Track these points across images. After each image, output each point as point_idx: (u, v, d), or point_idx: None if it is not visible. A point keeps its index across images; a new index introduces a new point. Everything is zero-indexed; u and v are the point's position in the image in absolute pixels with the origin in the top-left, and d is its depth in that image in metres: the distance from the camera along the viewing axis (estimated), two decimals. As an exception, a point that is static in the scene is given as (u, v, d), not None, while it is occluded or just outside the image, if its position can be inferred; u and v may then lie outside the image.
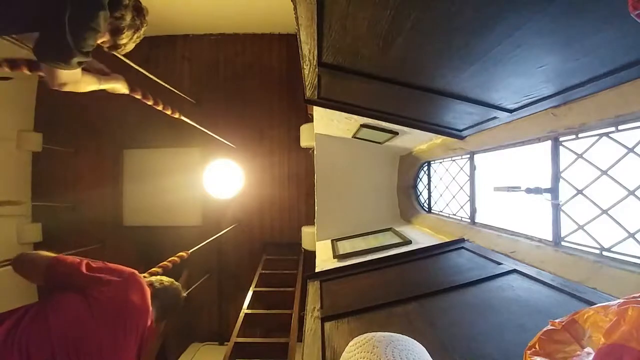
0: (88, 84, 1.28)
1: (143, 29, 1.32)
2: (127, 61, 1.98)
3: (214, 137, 3.18)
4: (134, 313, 1.09)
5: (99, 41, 1.21)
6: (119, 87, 1.48)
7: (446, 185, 2.93)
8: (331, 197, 3.40)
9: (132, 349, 1.08)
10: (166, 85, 2.81)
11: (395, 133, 2.70)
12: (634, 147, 1.23)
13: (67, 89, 1.18)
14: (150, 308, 1.16)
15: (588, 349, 0.61)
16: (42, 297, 1.05)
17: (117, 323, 1.04)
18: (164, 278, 1.34)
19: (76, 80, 1.19)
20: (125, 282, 1.10)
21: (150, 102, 1.88)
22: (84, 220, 4.05)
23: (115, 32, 1.23)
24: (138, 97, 1.76)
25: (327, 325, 1.34)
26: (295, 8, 1.01)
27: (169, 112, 2.14)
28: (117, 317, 1.05)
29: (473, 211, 2.36)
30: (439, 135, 2.42)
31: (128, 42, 1.30)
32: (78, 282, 1.05)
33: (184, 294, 1.40)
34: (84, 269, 1.07)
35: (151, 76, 2.49)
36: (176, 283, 1.36)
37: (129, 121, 4.03)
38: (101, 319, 1.01)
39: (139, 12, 1.28)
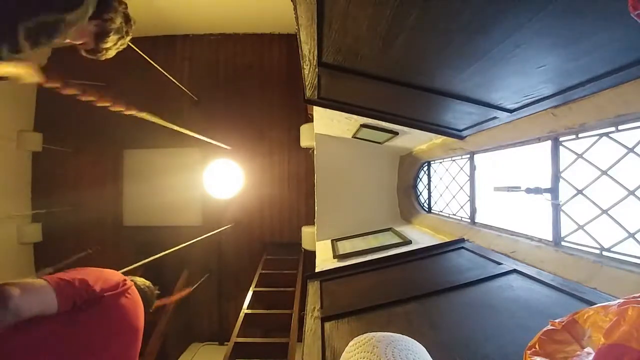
0: None
1: (127, 38, 1.31)
2: (137, 49, 1.88)
3: (211, 138, 3.18)
4: (140, 317, 1.09)
5: (78, 42, 1.17)
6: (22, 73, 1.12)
7: (446, 185, 2.93)
8: (331, 197, 3.40)
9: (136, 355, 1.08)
10: (172, 78, 2.79)
11: (395, 133, 2.70)
12: (634, 147, 1.23)
13: None
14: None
15: (588, 349, 0.61)
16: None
17: (126, 330, 1.03)
18: (137, 279, 1.27)
19: None
20: (126, 289, 1.08)
21: (91, 98, 1.51)
22: (84, 220, 4.05)
23: (102, 34, 1.19)
24: (56, 86, 1.33)
25: (327, 325, 1.34)
26: (295, 8, 1.01)
27: (121, 110, 1.80)
28: (126, 324, 1.03)
29: (473, 211, 2.36)
30: (439, 135, 2.42)
31: (111, 47, 1.26)
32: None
33: (156, 292, 1.32)
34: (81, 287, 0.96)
35: (157, 66, 2.48)
36: (147, 282, 1.29)
37: (128, 121, 4.03)
38: (112, 332, 0.98)
39: (127, 20, 1.27)
